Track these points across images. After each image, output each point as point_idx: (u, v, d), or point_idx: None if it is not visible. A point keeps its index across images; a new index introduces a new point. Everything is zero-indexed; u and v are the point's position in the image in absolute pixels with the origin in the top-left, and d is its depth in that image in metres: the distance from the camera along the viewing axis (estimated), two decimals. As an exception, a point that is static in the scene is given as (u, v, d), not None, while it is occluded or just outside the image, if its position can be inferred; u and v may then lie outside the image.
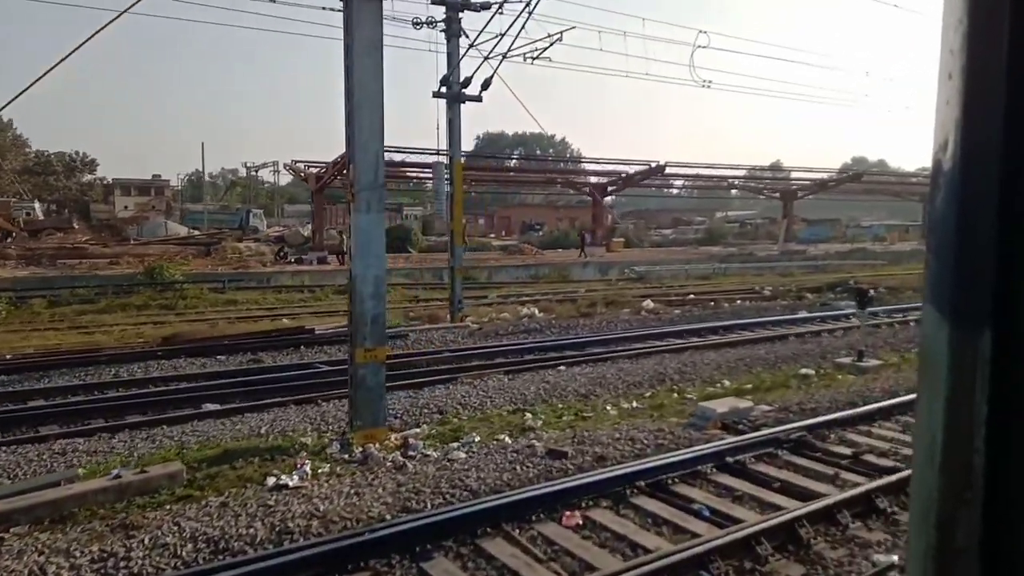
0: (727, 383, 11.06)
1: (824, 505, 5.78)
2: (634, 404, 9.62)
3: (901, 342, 14.61)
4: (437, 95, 14.95)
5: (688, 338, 14.57)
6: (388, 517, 5.57)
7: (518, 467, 6.71)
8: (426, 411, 8.76)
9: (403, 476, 6.50)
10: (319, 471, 6.70)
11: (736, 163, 77.62)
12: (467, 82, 15.04)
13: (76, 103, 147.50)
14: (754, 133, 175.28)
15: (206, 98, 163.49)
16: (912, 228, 77.44)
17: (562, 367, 11.60)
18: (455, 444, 7.49)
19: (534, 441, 7.42)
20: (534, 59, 14.86)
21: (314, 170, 34.32)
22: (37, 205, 53.41)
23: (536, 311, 16.97)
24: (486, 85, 15.19)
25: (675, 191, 60.84)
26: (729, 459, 7.11)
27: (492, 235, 53.52)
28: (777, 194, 46.55)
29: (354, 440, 7.44)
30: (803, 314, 18.01)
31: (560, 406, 9.31)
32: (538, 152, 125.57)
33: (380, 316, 7.70)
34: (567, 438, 7.59)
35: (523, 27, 14.15)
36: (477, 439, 7.63)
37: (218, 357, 12.12)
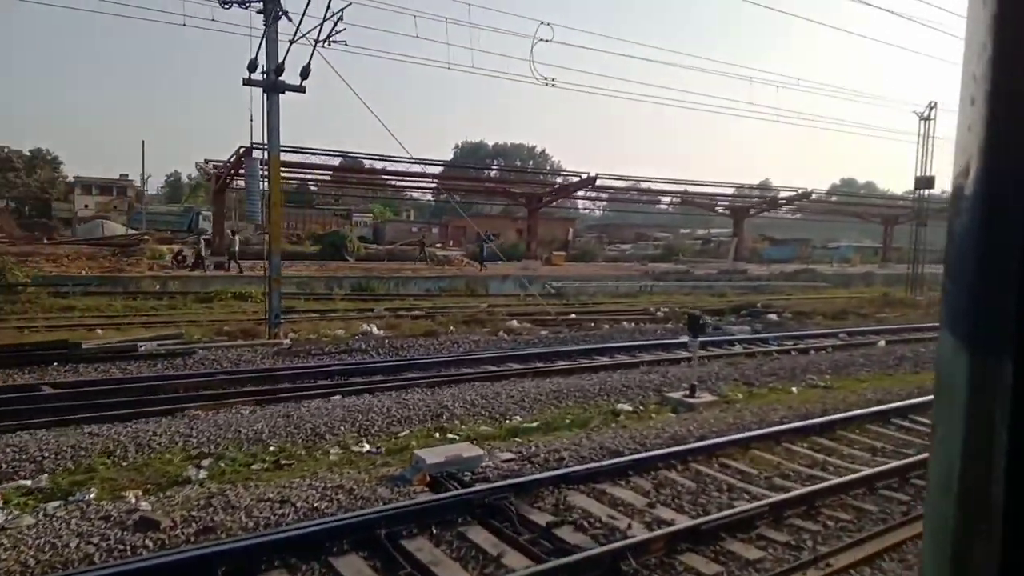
0: (517, 419, 9.64)
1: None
2: (371, 447, 8.15)
3: (763, 375, 13.25)
4: (249, 83, 13.48)
5: (532, 363, 13.17)
6: None
7: (85, 544, 5.21)
8: (79, 454, 7.23)
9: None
10: None
11: (721, 181, 76.82)
12: (280, 68, 13.56)
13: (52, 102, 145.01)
14: (748, 153, 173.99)
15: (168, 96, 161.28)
16: (881, 250, 77.01)
17: (337, 396, 10.14)
18: (55, 503, 5.98)
19: (142, 504, 5.91)
20: (328, 42, 13.42)
21: (214, 169, 32.73)
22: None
23: (375, 328, 15.47)
24: (305, 73, 13.78)
25: (663, 206, 59.74)
26: (381, 531, 5.64)
27: (439, 245, 51.97)
28: (728, 212, 45.38)
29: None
30: (683, 339, 16.64)
31: (269, 450, 7.81)
32: (517, 163, 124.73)
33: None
34: (199, 499, 6.09)
35: (342, 10, 12.84)
36: (90, 496, 6.12)
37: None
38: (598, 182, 34.03)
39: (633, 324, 18.48)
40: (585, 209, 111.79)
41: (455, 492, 6.36)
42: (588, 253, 52.05)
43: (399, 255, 41.08)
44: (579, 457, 7.69)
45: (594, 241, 63.24)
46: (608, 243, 66.00)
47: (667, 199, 49.22)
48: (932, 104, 27.86)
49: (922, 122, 28.06)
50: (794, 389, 12.32)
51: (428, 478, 6.85)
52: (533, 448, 7.96)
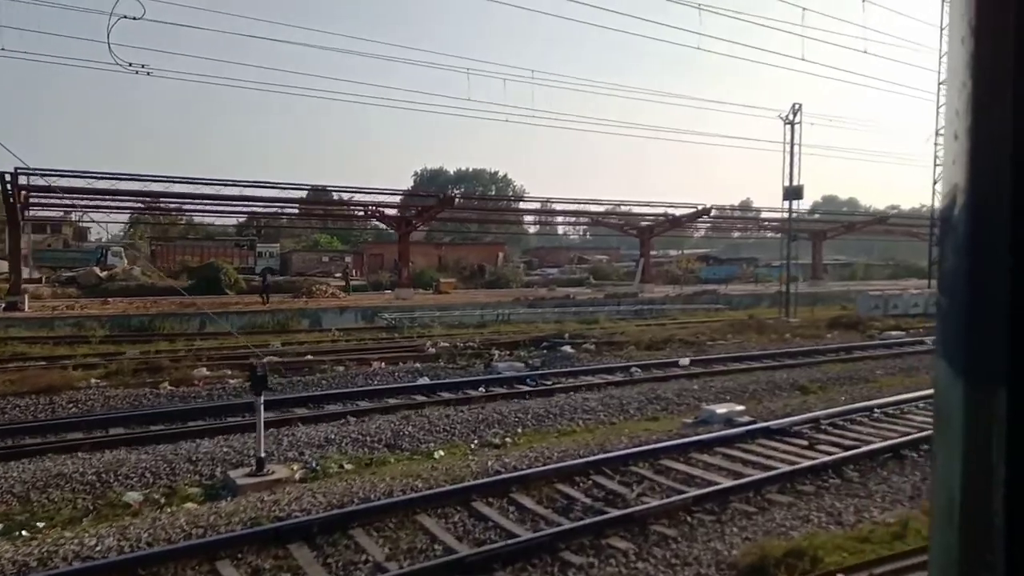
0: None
1: None
2: None
3: (437, 431, 10.50)
4: None
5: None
6: None
7: None
8: None
9: None
10: None
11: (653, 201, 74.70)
12: None
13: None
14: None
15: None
16: (831, 267, 74.82)
17: None
18: None
19: None
20: None
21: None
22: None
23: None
24: None
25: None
26: None
27: (337, 275, 49.11)
28: (635, 231, 42.95)
29: None
30: (423, 380, 13.96)
31: None
32: (479, 190, 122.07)
33: None
34: None
35: None
36: None
37: None
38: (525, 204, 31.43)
39: (384, 364, 15.73)
40: (564, 233, 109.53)
41: None
42: (503, 279, 49.58)
43: (291, 287, 37.96)
44: None
45: (519, 266, 60.68)
46: (538, 267, 63.67)
47: (583, 221, 46.61)
48: (796, 107, 25.55)
49: (787, 127, 25.72)
50: (440, 453, 9.59)
51: None
52: None
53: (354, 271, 50.76)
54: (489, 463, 8.84)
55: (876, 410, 12.11)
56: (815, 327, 24.60)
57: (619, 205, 44.65)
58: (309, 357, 16.07)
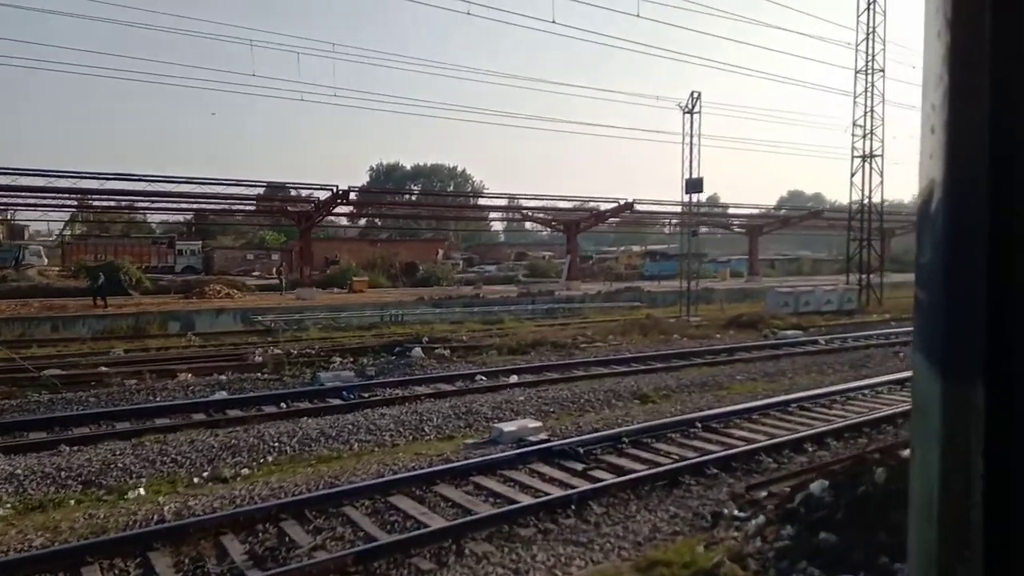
0: None
1: None
2: None
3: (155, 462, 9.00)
4: None
5: None
6: None
7: None
8: None
9: None
10: None
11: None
12: None
13: None
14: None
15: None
16: (779, 263, 74.51)
17: None
18: None
19: None
20: None
21: None
22: None
23: None
24: None
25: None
26: None
27: (256, 273, 47.15)
28: (562, 226, 41.75)
29: None
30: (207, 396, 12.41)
31: None
32: (436, 185, 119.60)
33: None
34: None
35: None
36: None
37: None
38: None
39: (191, 376, 14.15)
40: (533, 229, 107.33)
41: None
42: (434, 277, 48.10)
43: (184, 288, 35.91)
44: None
45: (458, 263, 59.21)
46: (478, 264, 62.22)
47: (516, 216, 45.27)
48: (695, 95, 24.41)
49: (686, 115, 24.57)
50: (140, 492, 8.11)
51: None
52: None
53: (285, 268, 48.86)
54: (169, 508, 7.39)
55: (699, 424, 10.92)
56: (714, 326, 23.53)
57: (552, 200, 43.42)
58: (103, 369, 14.38)
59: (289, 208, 32.23)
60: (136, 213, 48.04)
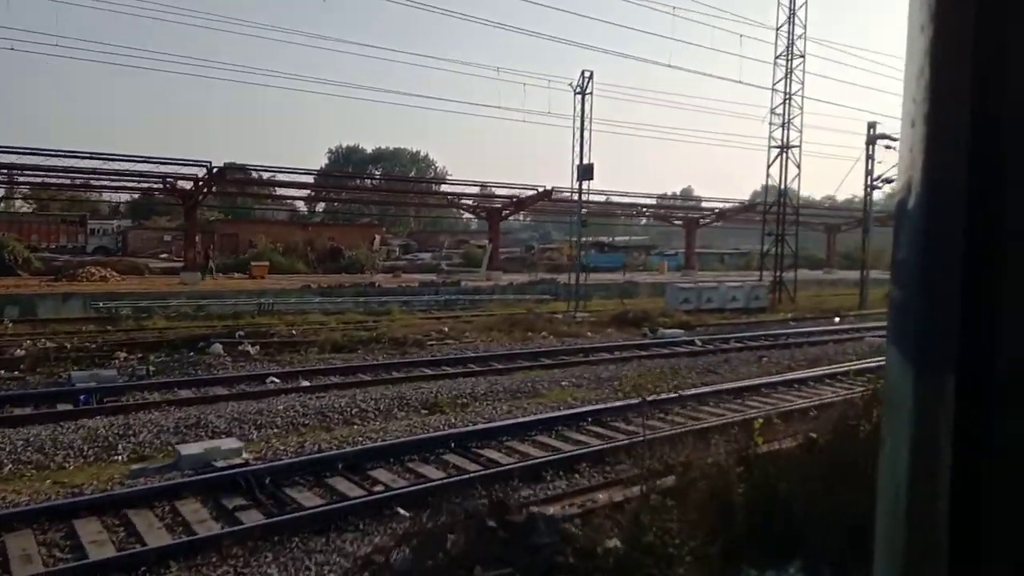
0: None
1: None
2: None
3: None
4: None
5: None
6: None
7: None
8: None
9: None
10: None
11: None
12: None
13: None
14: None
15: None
16: (728, 257, 73.63)
17: None
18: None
19: None
20: None
21: None
22: None
23: None
24: None
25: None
26: None
27: (163, 256, 44.75)
28: (484, 214, 40.00)
29: None
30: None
31: None
32: (396, 170, 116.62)
33: None
34: None
35: None
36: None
37: None
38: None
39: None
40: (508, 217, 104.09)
41: None
42: (357, 263, 46.21)
43: (54, 270, 33.28)
44: None
45: (395, 249, 57.26)
46: (415, 251, 60.33)
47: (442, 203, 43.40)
48: (587, 75, 22.72)
49: (577, 97, 22.88)
50: None
51: None
52: None
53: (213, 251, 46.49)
54: None
55: (453, 441, 9.28)
56: (596, 323, 21.98)
57: (478, 186, 41.77)
58: None
59: (178, 185, 29.89)
60: (78, 191, 45.26)
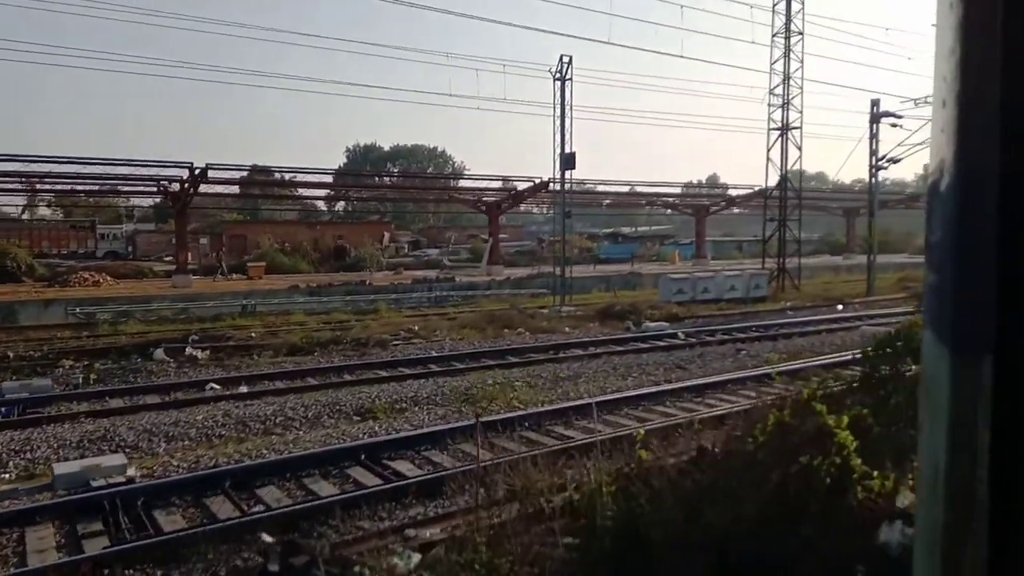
0: None
1: None
2: None
3: None
4: None
5: None
6: None
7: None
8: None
9: None
10: None
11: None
12: None
13: None
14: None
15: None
16: (747, 245, 71.92)
17: None
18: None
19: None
20: None
21: None
22: None
23: None
24: None
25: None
26: None
27: (168, 257, 44.75)
28: (483, 207, 39.24)
29: None
30: None
31: None
32: (414, 166, 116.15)
33: None
34: None
35: None
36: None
37: None
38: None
39: None
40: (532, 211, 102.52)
41: None
42: (362, 261, 45.89)
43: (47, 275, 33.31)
44: None
45: (403, 246, 56.90)
46: (423, 247, 59.82)
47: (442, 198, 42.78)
48: (565, 60, 21.83)
49: (556, 83, 22.00)
50: None
51: None
52: None
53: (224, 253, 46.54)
54: None
55: (364, 453, 8.61)
56: (581, 318, 21.15)
57: (500, 180, 40.93)
58: None
59: (163, 186, 29.69)
60: (93, 198, 45.60)
